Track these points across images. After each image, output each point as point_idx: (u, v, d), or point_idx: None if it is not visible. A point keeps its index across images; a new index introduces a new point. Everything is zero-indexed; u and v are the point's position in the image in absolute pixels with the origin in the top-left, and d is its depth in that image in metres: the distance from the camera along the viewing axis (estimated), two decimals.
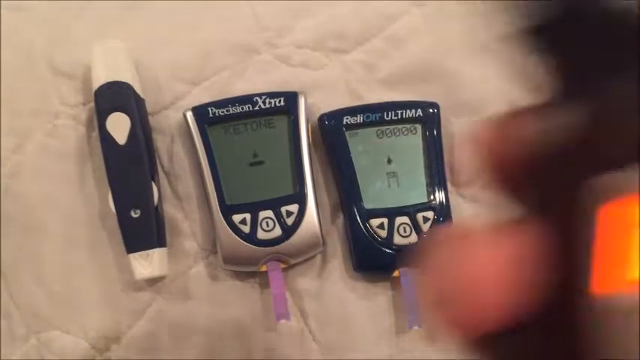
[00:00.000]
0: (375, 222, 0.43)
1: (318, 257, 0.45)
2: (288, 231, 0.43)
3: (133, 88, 0.44)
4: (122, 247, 0.42)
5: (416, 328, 0.42)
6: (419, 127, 0.45)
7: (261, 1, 0.49)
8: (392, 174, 0.44)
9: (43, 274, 0.43)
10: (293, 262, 0.43)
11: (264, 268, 0.43)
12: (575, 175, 0.16)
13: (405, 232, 0.43)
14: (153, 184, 0.43)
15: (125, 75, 0.44)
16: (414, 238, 0.43)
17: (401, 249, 0.43)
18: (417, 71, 0.48)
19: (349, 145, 0.44)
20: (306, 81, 0.47)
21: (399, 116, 0.45)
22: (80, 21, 0.48)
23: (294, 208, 0.43)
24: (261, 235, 0.43)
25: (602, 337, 0.16)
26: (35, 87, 0.46)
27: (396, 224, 0.43)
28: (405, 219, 0.43)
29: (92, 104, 0.44)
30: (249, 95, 0.45)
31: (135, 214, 0.42)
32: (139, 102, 0.44)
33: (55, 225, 0.44)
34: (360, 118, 0.45)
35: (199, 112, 0.44)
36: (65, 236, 0.44)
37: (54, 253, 0.44)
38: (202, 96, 0.46)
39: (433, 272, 0.14)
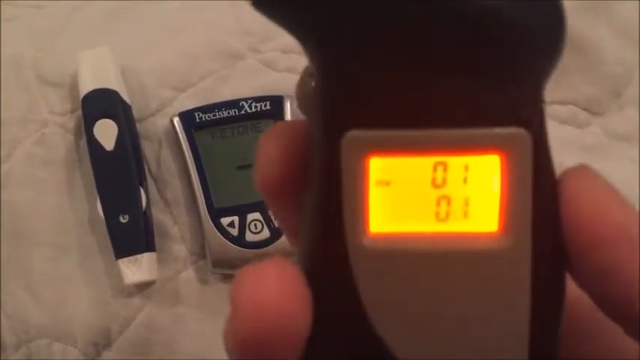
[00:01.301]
0: None
1: None
2: (277, 232, 0.43)
3: (120, 95, 0.44)
4: (112, 254, 0.42)
5: None
6: None
7: (246, 4, 0.49)
8: None
9: (32, 282, 0.43)
10: None
11: None
12: (338, 126, 0.16)
13: None
14: (141, 189, 0.43)
15: (112, 82, 0.44)
16: None
17: None
18: None
19: None
20: (292, 85, 0.47)
21: None
22: (67, 30, 0.48)
23: None
24: (249, 237, 0.43)
25: (369, 283, 0.16)
26: (23, 96, 0.47)
27: None
28: None
29: (80, 112, 0.45)
30: (235, 100, 0.45)
31: (123, 219, 0.42)
32: (126, 108, 0.44)
33: (45, 232, 0.44)
34: None
35: (186, 117, 0.45)
36: (54, 243, 0.44)
37: (43, 261, 0.44)
38: (189, 102, 0.46)
39: None
